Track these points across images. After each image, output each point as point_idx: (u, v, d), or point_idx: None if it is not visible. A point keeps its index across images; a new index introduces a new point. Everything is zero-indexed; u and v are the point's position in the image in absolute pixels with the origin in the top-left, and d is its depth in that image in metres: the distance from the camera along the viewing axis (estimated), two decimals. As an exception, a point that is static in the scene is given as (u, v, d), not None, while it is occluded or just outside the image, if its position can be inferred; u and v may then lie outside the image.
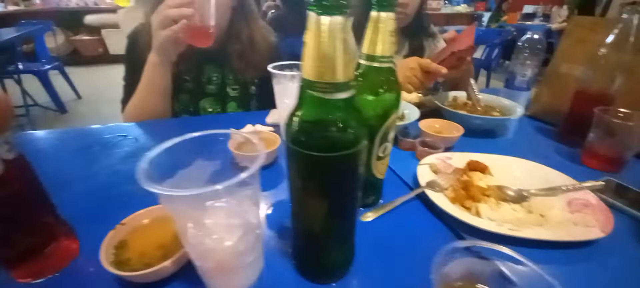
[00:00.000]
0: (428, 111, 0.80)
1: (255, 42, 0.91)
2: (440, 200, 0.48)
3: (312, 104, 0.27)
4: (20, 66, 2.82)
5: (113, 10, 4.86)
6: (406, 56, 1.08)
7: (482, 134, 0.76)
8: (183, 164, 0.31)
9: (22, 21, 3.25)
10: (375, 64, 0.38)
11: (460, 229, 0.44)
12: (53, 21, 3.40)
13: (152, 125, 0.80)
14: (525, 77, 0.86)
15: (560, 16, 4.74)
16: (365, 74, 0.39)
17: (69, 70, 3.45)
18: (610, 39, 0.64)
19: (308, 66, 0.25)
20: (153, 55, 0.77)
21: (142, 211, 0.41)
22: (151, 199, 0.42)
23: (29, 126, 2.70)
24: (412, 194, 0.51)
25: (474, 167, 0.56)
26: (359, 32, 0.36)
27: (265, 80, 0.94)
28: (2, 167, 0.31)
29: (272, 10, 2.65)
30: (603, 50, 0.65)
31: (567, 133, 0.74)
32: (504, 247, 0.28)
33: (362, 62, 0.39)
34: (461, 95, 0.89)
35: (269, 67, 0.63)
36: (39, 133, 0.76)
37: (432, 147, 0.64)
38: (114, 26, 4.75)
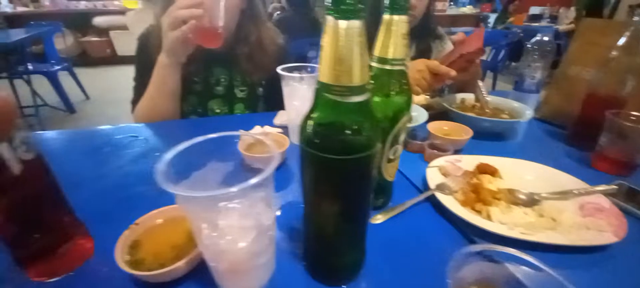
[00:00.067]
0: (435, 113, 0.80)
1: (264, 44, 0.92)
2: (450, 203, 0.47)
3: (328, 107, 0.27)
4: (30, 67, 2.86)
5: (121, 12, 4.92)
6: (413, 58, 1.08)
7: (490, 136, 0.76)
8: (197, 166, 0.32)
9: (31, 22, 3.31)
10: (387, 67, 0.39)
11: (471, 233, 0.44)
12: (62, 23, 3.45)
13: (162, 126, 0.81)
14: (534, 79, 0.85)
15: (567, 18, 4.69)
16: (377, 77, 0.39)
17: (78, 71, 3.50)
18: (621, 42, 0.63)
19: (325, 69, 0.25)
20: (163, 56, 0.78)
21: (155, 211, 0.42)
22: (163, 200, 0.43)
23: (38, 126, 2.74)
24: (422, 197, 0.51)
25: (483, 169, 0.56)
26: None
27: (272, 82, 0.95)
28: (21, 167, 0.32)
29: (278, 12, 2.67)
30: (614, 53, 0.64)
31: (577, 136, 0.74)
32: (522, 252, 0.28)
33: (374, 64, 0.39)
34: (469, 97, 0.89)
35: (278, 69, 0.64)
36: (50, 133, 0.77)
37: (441, 150, 0.64)
38: (122, 28, 4.80)
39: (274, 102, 0.89)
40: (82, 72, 3.71)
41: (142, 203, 0.44)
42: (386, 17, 0.37)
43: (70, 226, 0.39)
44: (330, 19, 0.24)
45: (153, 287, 0.36)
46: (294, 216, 0.48)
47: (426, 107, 0.79)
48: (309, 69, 0.66)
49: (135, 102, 0.90)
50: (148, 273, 0.33)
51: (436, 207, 0.50)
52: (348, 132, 0.27)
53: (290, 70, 0.64)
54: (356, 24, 0.24)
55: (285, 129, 0.72)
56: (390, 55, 0.38)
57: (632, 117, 0.59)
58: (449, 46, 1.12)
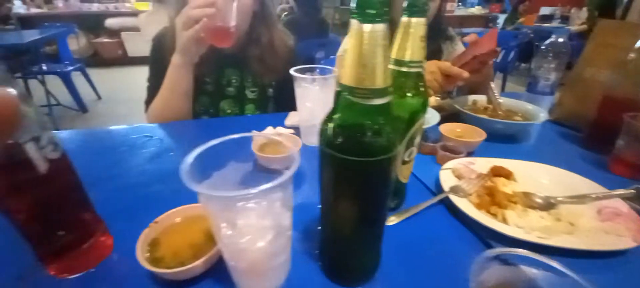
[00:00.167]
0: (446, 115, 0.79)
1: (275, 46, 0.93)
2: (465, 206, 0.47)
3: (349, 109, 0.27)
4: (44, 67, 2.92)
5: (133, 14, 5.00)
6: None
7: (503, 139, 0.75)
8: (218, 166, 0.32)
9: (45, 24, 3.38)
10: (404, 69, 0.39)
11: (487, 236, 0.44)
12: (75, 24, 3.52)
13: (175, 126, 0.82)
14: (548, 80, 0.84)
15: (579, 18, 4.61)
16: (394, 79, 0.39)
17: (89, 71, 3.56)
18: (639, 44, 0.62)
19: (348, 72, 0.26)
20: (176, 56, 0.80)
21: (173, 210, 0.42)
22: (179, 199, 0.43)
23: (51, 125, 2.80)
24: (436, 199, 0.51)
25: (497, 172, 0.56)
26: None
27: (282, 83, 0.96)
28: (47, 166, 0.33)
29: (286, 13, 2.68)
30: (632, 55, 0.63)
31: (593, 139, 0.73)
32: (547, 257, 0.27)
33: (391, 66, 0.40)
34: (481, 99, 0.88)
35: (291, 71, 0.64)
36: (66, 133, 0.79)
37: (454, 152, 0.64)
38: (134, 29, 4.88)
39: (284, 103, 0.90)
40: (94, 73, 3.78)
41: (158, 202, 0.45)
42: (404, 19, 0.37)
43: (92, 223, 0.40)
44: (354, 22, 0.24)
45: (170, 284, 0.37)
46: (308, 217, 0.48)
47: (437, 108, 0.79)
48: (317, 71, 0.67)
49: (148, 102, 0.91)
50: (169, 271, 0.34)
51: (450, 209, 0.50)
52: (370, 134, 0.27)
53: (302, 71, 0.65)
54: (380, 27, 0.24)
55: (296, 129, 0.72)
56: (407, 58, 0.38)
57: (651, 120, 0.58)
58: (459, 47, 1.11)
